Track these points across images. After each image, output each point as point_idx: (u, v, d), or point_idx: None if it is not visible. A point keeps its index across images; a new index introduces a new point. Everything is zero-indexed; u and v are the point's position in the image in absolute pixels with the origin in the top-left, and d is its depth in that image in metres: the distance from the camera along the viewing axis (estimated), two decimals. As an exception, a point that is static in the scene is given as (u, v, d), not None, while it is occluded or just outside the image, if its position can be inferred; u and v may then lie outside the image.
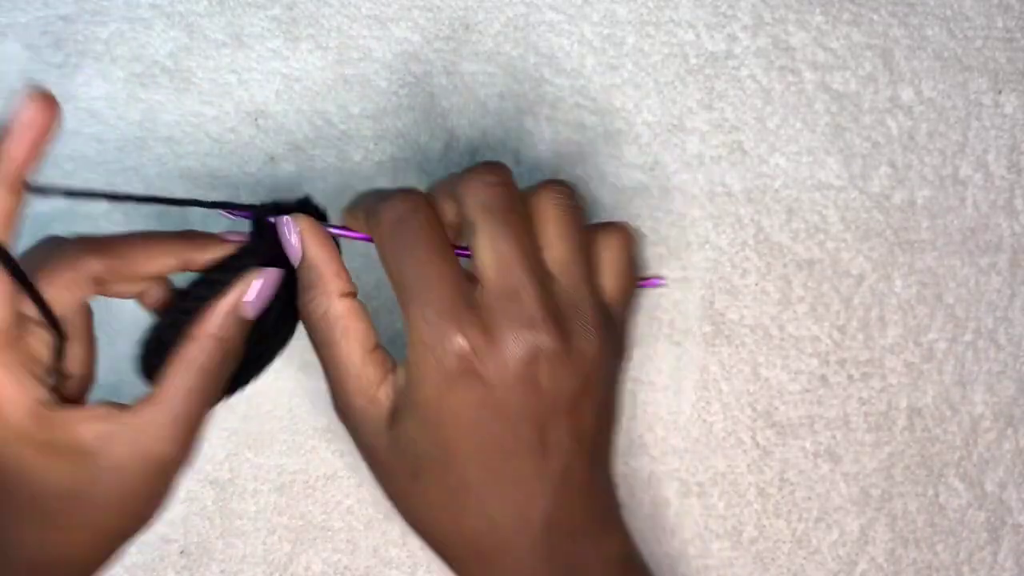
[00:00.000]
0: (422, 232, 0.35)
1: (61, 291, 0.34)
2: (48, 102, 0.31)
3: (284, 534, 0.47)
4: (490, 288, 0.34)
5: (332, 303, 0.37)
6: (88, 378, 0.38)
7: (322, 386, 0.47)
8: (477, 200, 0.35)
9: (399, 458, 0.37)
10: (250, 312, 0.37)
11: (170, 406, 0.35)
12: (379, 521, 0.48)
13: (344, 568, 0.48)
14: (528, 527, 0.36)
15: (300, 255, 0.38)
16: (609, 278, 0.37)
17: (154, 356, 0.37)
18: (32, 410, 0.33)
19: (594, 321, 0.35)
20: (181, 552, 0.47)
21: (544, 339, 0.34)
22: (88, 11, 0.48)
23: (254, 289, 0.37)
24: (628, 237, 0.38)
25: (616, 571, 0.38)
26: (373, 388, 0.37)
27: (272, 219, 0.38)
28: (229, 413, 0.47)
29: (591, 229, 0.38)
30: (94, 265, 0.34)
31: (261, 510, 0.47)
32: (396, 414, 0.36)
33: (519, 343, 0.34)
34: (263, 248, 0.38)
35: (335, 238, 0.39)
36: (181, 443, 0.35)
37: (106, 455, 0.34)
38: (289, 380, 0.48)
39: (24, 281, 0.32)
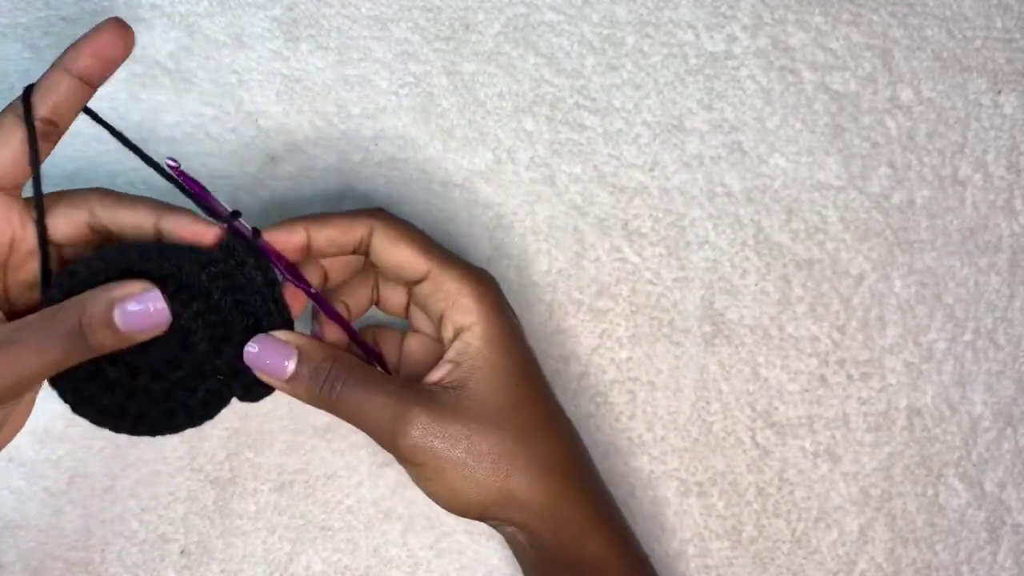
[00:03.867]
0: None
1: (65, 225, 0.39)
2: (125, 32, 0.37)
3: (284, 534, 0.47)
4: None
5: (356, 370, 0.40)
6: None
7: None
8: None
9: (486, 410, 0.40)
10: (125, 324, 0.36)
11: (19, 355, 0.36)
12: (379, 521, 0.48)
13: (344, 568, 0.48)
14: None
15: (293, 364, 0.39)
16: None
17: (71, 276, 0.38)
18: None
19: None
20: (181, 552, 0.47)
21: None
22: (89, 12, 0.48)
23: (140, 307, 0.37)
24: None
25: None
26: (420, 398, 0.40)
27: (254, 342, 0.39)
28: (229, 413, 0.47)
29: None
30: (94, 208, 0.39)
31: (261, 510, 0.47)
32: (463, 380, 0.41)
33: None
34: (230, 254, 0.39)
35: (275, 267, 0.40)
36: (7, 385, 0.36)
37: None
38: (289, 380, 0.48)
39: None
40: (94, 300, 0.36)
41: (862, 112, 0.49)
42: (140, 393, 0.39)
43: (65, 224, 0.39)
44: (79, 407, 0.39)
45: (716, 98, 0.49)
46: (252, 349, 0.39)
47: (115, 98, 0.47)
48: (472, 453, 0.39)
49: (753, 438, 0.48)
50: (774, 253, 0.49)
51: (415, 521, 0.48)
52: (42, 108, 0.38)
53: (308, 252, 0.40)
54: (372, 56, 0.48)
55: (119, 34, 0.37)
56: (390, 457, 0.47)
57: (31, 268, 0.39)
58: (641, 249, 0.48)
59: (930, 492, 0.49)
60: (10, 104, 0.38)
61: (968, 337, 0.49)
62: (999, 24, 0.50)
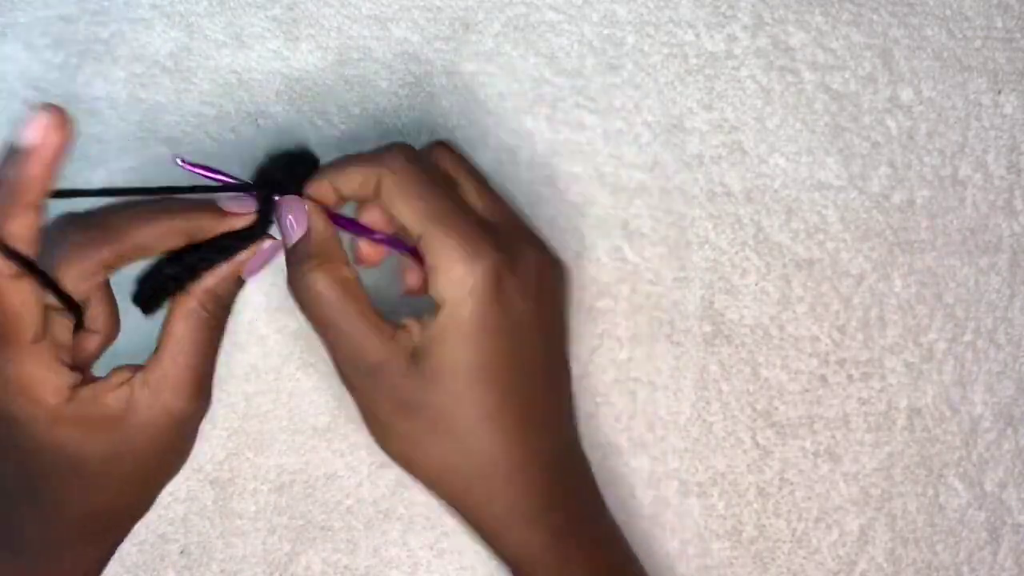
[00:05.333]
0: (434, 173, 0.40)
1: (77, 283, 0.36)
2: (61, 119, 0.32)
3: (284, 534, 0.47)
4: (494, 219, 0.40)
5: (343, 271, 0.39)
6: (112, 330, 0.40)
7: (322, 385, 0.48)
8: (449, 161, 0.41)
9: (432, 390, 0.38)
10: (247, 275, 0.40)
11: (176, 360, 0.38)
12: (379, 521, 0.48)
13: (344, 568, 0.48)
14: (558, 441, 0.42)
15: (302, 231, 0.39)
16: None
17: (150, 290, 0.39)
18: (64, 394, 0.36)
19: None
20: (181, 552, 0.47)
21: (547, 254, 0.41)
22: (89, 11, 0.48)
23: (258, 257, 0.40)
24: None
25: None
26: (391, 340, 0.39)
27: (276, 198, 0.39)
28: (229, 413, 0.48)
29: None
30: (104, 254, 0.36)
31: (261, 510, 0.47)
32: (422, 350, 0.38)
33: (531, 259, 0.40)
34: (267, 223, 0.40)
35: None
36: (194, 394, 0.38)
37: (132, 417, 0.37)
38: (289, 380, 0.48)
39: (50, 284, 0.35)
40: (217, 280, 0.39)
41: (862, 112, 0.49)
42: None
43: (83, 286, 0.36)
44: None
45: (716, 98, 0.49)
46: (285, 206, 0.39)
47: (115, 98, 0.48)
48: (370, 413, 0.40)
49: (753, 438, 0.48)
50: (774, 253, 0.49)
51: (415, 521, 0.48)
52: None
53: (342, 201, 0.41)
54: (372, 56, 0.48)
55: (58, 128, 0.32)
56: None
57: (55, 330, 0.37)
58: (641, 249, 0.48)
59: (930, 492, 0.49)
60: None
61: (968, 337, 0.49)
62: (999, 24, 0.50)
